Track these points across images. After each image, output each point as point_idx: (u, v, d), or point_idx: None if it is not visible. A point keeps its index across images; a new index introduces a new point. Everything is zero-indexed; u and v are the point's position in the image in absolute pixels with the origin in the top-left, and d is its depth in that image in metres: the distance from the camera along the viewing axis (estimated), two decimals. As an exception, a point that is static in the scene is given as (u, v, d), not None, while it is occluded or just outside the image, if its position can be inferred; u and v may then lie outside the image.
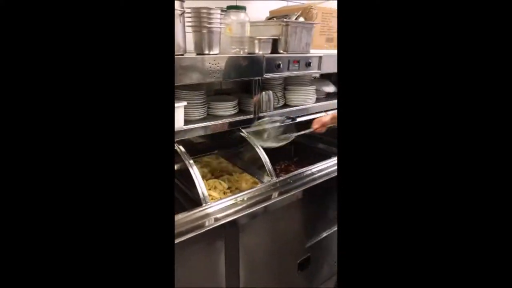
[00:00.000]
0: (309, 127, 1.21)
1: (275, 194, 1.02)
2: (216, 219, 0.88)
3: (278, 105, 1.36)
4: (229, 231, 0.91)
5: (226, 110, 1.18)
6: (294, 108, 1.37)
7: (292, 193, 1.03)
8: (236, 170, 1.24)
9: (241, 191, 1.01)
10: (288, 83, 1.41)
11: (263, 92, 1.25)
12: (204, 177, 1.18)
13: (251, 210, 0.93)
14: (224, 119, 1.14)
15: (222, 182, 1.16)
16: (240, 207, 0.94)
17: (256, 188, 1.02)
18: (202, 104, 1.12)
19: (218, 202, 0.94)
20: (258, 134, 1.21)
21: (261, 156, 1.11)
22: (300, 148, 1.61)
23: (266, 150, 1.14)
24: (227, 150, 1.35)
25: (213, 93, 1.34)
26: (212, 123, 1.11)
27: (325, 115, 1.24)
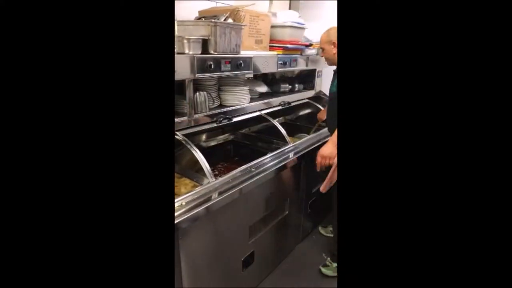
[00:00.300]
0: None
1: (215, 194, 1.02)
2: (153, 228, 0.83)
3: (214, 106, 1.35)
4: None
5: (158, 113, 1.12)
6: (230, 108, 1.38)
7: (231, 191, 1.04)
8: (174, 175, 1.19)
9: (180, 196, 0.98)
10: (222, 84, 1.41)
11: (197, 93, 1.23)
12: (137, 185, 1.09)
13: (190, 214, 0.90)
14: (156, 123, 1.08)
15: (159, 189, 1.10)
16: (179, 212, 0.90)
17: (195, 191, 1.00)
18: (129, 107, 1.04)
19: (154, 210, 0.88)
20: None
21: (198, 159, 1.08)
22: (240, 147, 1.63)
23: (204, 152, 1.12)
24: (162, 155, 1.28)
25: (142, 95, 1.26)
26: (143, 127, 1.04)
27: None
